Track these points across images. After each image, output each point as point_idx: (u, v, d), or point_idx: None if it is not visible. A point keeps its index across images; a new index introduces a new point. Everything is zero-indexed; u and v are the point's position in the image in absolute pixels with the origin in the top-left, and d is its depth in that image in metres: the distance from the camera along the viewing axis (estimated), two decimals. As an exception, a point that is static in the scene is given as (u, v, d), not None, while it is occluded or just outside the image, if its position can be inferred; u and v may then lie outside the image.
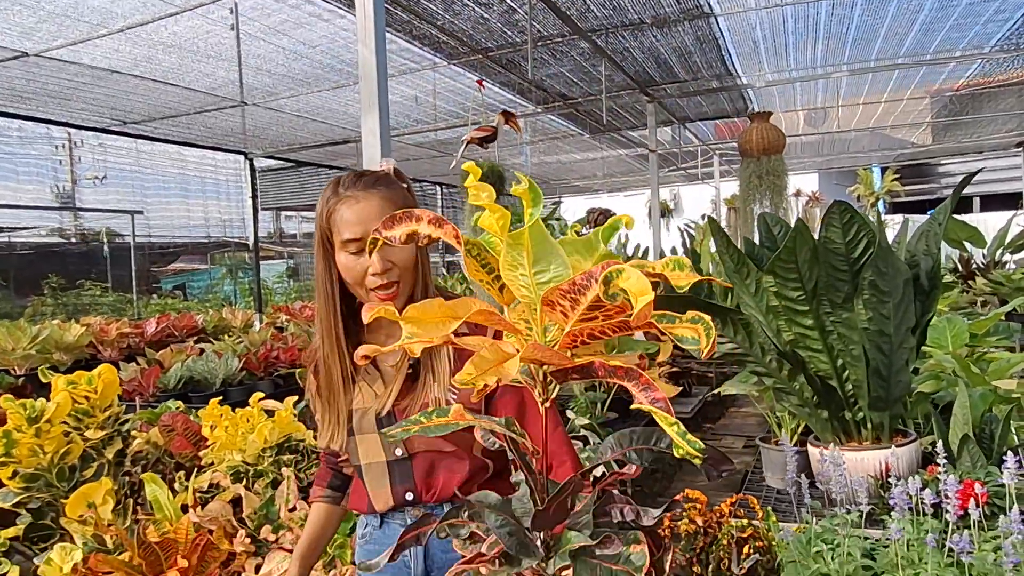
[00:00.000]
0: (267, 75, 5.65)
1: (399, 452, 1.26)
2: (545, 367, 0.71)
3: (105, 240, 12.26)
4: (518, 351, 0.65)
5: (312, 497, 1.45)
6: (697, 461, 0.63)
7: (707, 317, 0.62)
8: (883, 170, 15.28)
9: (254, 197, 8.51)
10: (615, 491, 0.79)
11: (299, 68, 5.54)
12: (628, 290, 0.57)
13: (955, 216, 4.33)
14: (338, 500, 1.44)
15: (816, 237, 2.30)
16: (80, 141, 11.44)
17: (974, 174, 2.38)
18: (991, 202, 14.90)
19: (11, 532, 1.95)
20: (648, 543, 0.70)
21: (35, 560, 1.87)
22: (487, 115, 4.73)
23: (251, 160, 8.50)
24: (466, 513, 0.77)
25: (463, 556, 1.14)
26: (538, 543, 0.74)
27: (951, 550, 1.24)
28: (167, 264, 14.63)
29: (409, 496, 1.26)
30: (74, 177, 11.83)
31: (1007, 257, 7.05)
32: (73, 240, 12.58)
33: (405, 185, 1.32)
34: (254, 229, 8.55)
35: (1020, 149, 11.11)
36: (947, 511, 1.23)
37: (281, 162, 10.28)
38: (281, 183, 12.48)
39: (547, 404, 0.75)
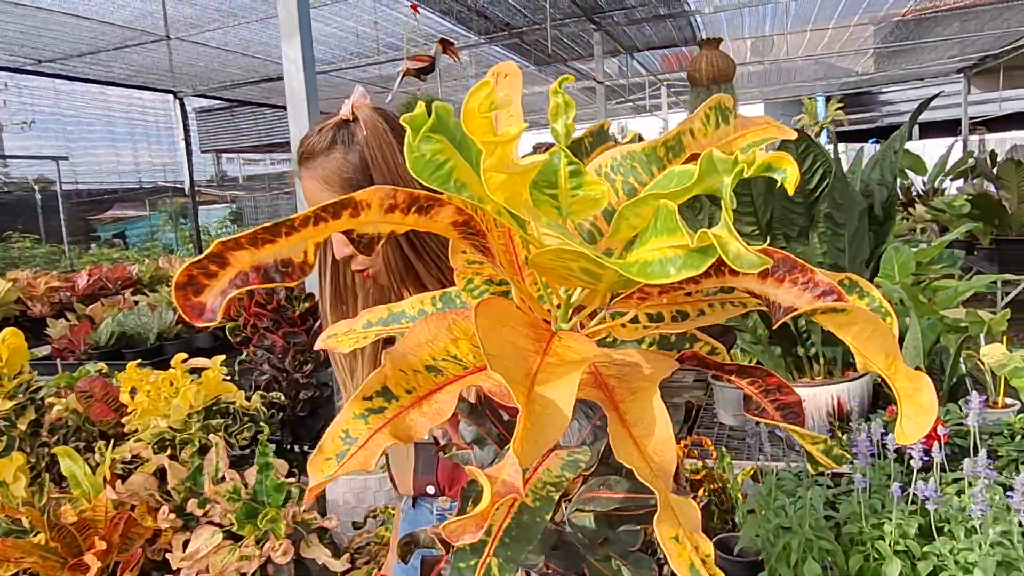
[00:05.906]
0: (190, 5, 5.25)
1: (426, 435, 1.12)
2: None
3: (35, 188, 11.56)
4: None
5: None
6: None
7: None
8: (827, 99, 15.33)
9: (187, 139, 8.08)
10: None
11: (223, -3, 5.17)
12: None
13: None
14: None
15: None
16: (5, 84, 10.64)
17: (932, 98, 2.31)
18: (931, 129, 15.10)
19: (-83, 513, 1.79)
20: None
21: (-56, 543, 1.72)
22: (426, 47, 4.48)
23: (181, 99, 8.04)
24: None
25: None
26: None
27: (914, 496, 1.19)
28: (101, 212, 13.92)
29: (431, 490, 1.12)
30: (-1, 123, 11.04)
31: (946, 184, 7.16)
32: (3, 190, 11.86)
33: (365, 132, 1.02)
34: (189, 173, 8.16)
35: (961, 75, 11.21)
36: (912, 457, 1.18)
37: (215, 102, 9.75)
38: (218, 124, 11.88)
39: None
